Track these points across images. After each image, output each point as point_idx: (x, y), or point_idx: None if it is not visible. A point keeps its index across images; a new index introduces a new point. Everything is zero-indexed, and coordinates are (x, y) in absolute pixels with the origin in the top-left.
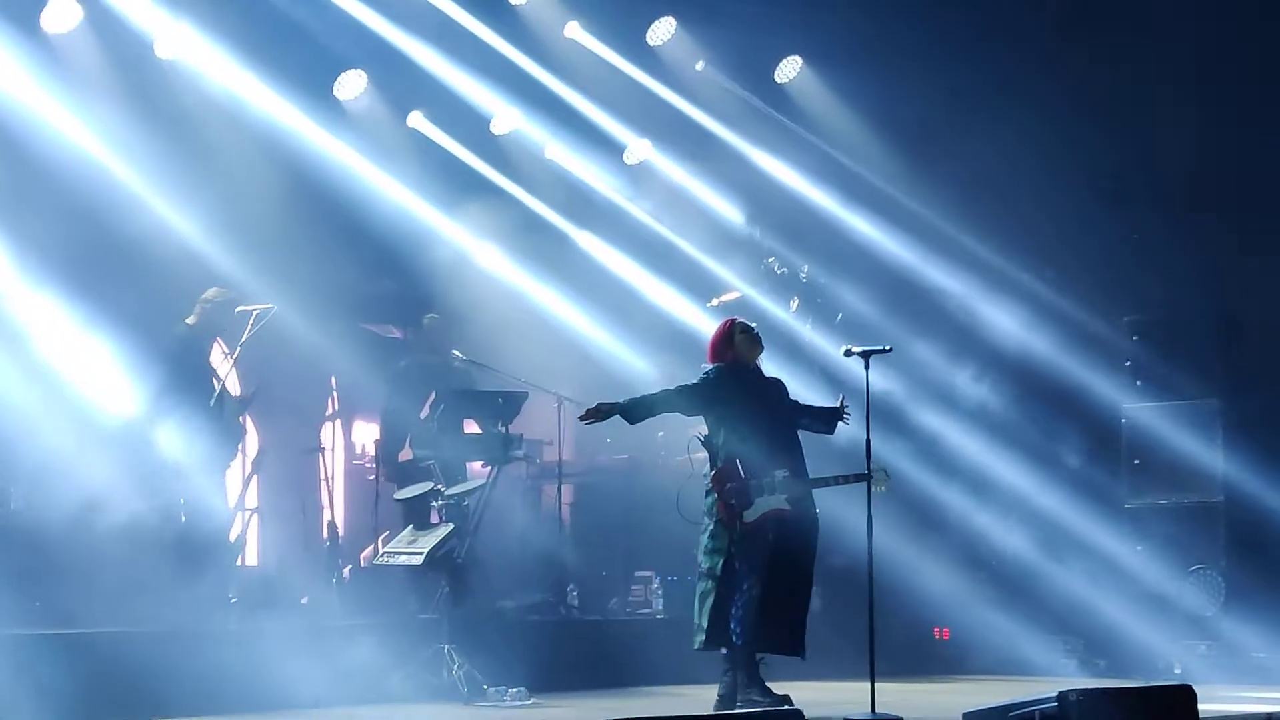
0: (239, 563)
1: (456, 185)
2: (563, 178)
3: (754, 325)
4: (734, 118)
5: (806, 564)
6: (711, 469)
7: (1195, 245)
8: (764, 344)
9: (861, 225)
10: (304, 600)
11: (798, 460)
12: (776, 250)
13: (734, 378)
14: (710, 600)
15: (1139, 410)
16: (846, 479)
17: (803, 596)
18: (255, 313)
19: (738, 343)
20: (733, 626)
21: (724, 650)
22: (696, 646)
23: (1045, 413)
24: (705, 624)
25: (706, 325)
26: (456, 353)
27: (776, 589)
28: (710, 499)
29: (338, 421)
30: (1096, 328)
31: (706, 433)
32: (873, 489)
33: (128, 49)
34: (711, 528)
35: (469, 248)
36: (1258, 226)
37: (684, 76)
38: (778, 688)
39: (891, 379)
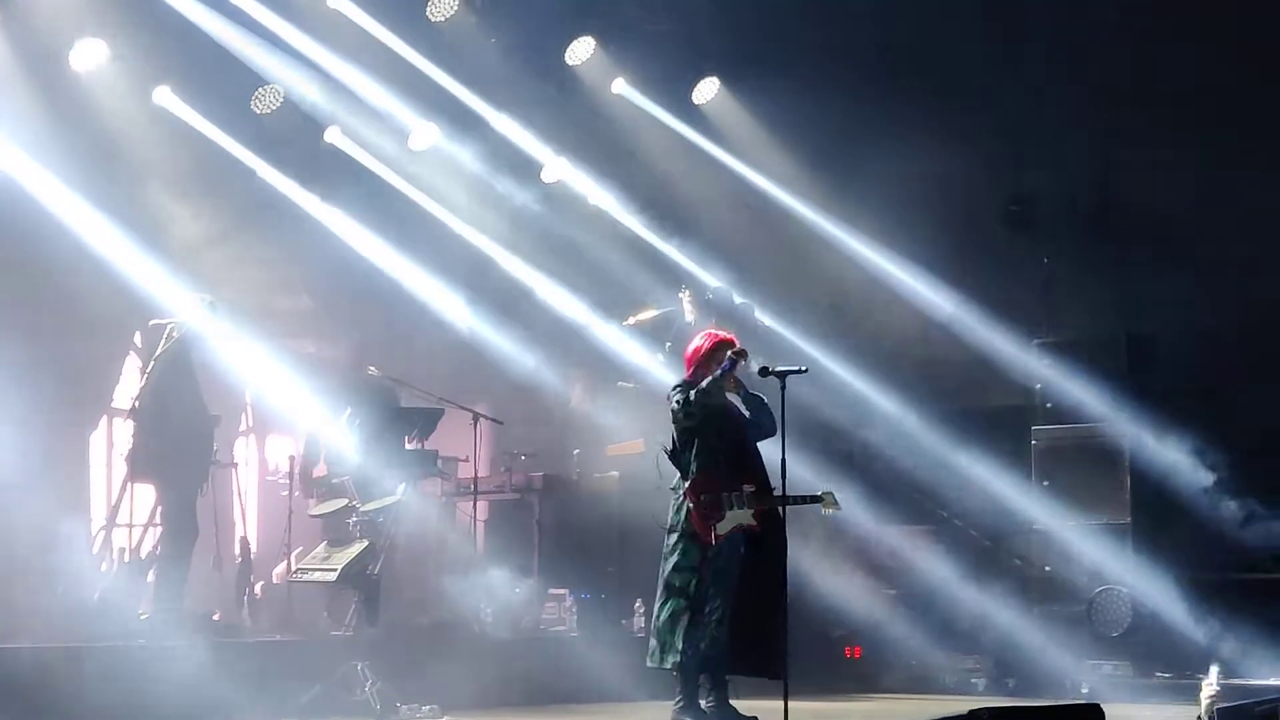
0: (149, 578)
1: (376, 201)
2: (484, 196)
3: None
4: (651, 136)
5: (778, 582)
6: (684, 482)
7: (1104, 268)
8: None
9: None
10: (215, 617)
11: (763, 477)
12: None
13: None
14: (685, 620)
15: (1048, 432)
16: (797, 500)
17: (776, 616)
18: (169, 326)
19: (721, 353)
20: (703, 648)
21: (701, 673)
22: (668, 666)
23: (956, 432)
24: (680, 644)
25: (618, 341)
26: (372, 368)
27: (749, 608)
28: (680, 514)
29: (251, 436)
30: (1006, 349)
31: (672, 447)
32: (827, 510)
33: (40, 59)
34: (682, 544)
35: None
36: (1167, 249)
37: (601, 97)
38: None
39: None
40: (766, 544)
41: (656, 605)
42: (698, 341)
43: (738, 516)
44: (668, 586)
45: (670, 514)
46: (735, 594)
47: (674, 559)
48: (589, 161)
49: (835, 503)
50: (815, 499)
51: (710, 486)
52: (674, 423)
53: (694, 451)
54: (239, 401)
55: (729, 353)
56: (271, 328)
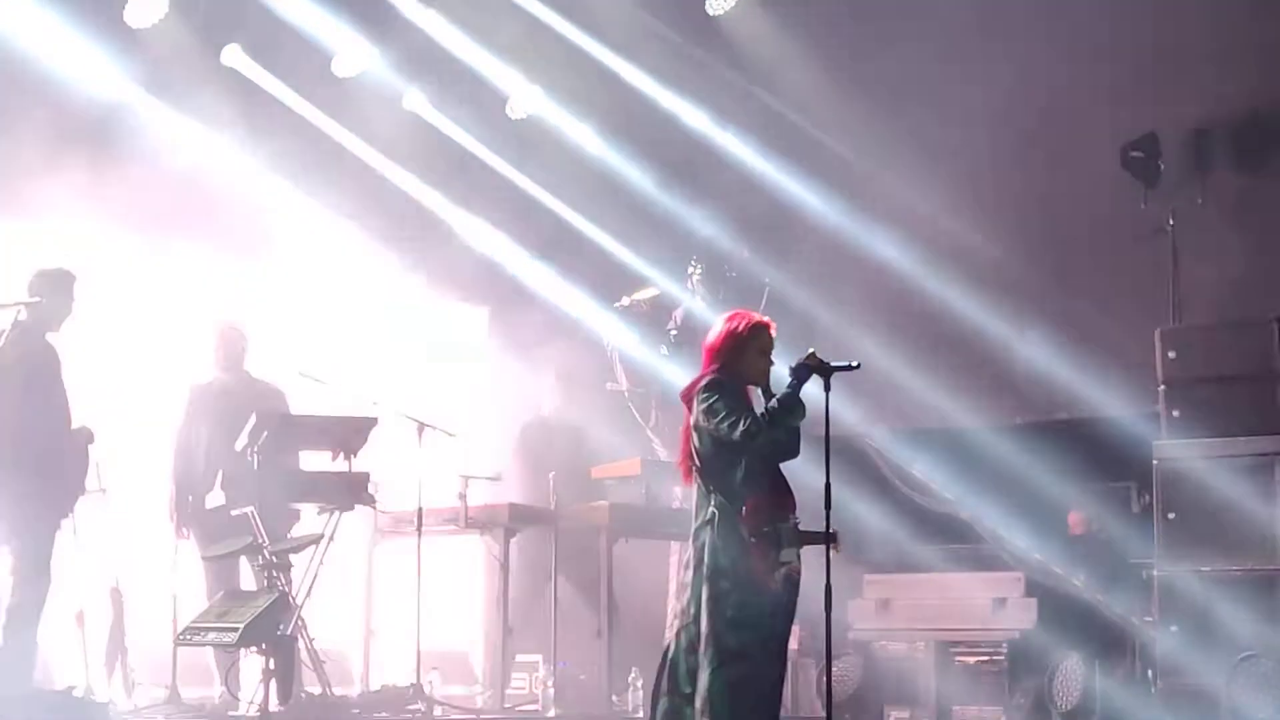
0: None
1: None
2: (427, 136)
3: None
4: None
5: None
6: (738, 510)
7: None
8: None
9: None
10: (75, 691)
11: (795, 504)
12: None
13: (745, 391)
14: (753, 689)
15: (1174, 448)
16: (812, 537)
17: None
18: (16, 309)
19: (763, 339)
20: None
21: None
22: None
23: (1046, 449)
24: None
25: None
26: (290, 365)
27: (782, 672)
28: (731, 552)
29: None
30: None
31: (700, 463)
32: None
33: None
34: (736, 593)
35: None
36: None
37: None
38: None
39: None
40: (797, 590)
41: (704, 674)
42: (726, 324)
43: (788, 555)
44: (722, 648)
45: (711, 554)
46: (783, 647)
47: (725, 611)
48: (568, 92)
49: (839, 543)
50: (829, 537)
51: (769, 515)
52: (710, 434)
53: (739, 471)
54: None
55: (803, 361)
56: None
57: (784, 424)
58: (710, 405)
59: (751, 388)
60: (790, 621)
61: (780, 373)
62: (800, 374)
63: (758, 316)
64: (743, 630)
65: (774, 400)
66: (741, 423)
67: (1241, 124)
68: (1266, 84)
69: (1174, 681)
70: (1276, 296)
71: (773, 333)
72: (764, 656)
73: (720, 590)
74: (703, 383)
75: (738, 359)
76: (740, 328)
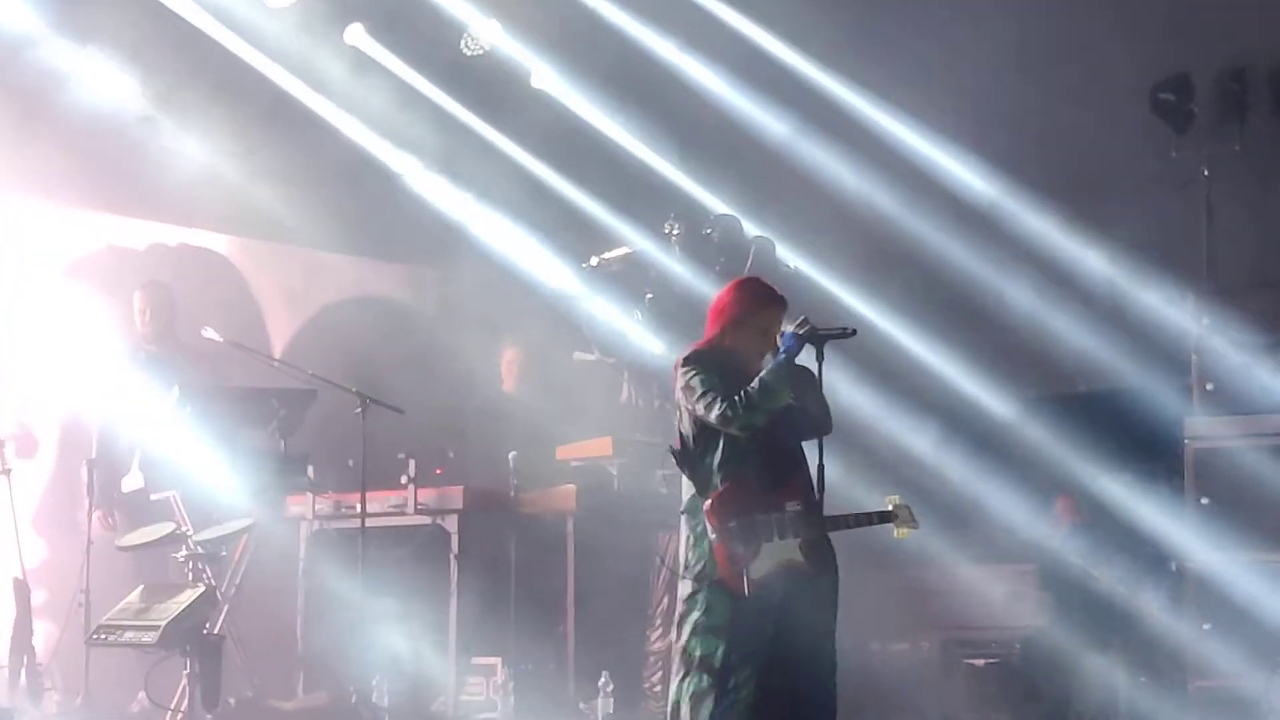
0: None
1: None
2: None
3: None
4: None
5: (826, 646)
6: (702, 498)
7: None
8: None
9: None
10: None
11: (808, 487)
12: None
13: (744, 367)
14: (710, 703)
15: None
16: (869, 518)
17: (822, 693)
18: None
19: (767, 317)
20: None
21: None
22: None
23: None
24: None
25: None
26: (209, 331)
27: (783, 683)
28: (700, 549)
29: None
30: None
31: (683, 446)
32: (900, 533)
33: None
34: (704, 594)
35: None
36: None
37: None
38: None
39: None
40: (816, 587)
41: (673, 684)
42: (733, 290)
43: (780, 550)
44: (687, 656)
45: (684, 549)
46: (769, 660)
47: (695, 616)
48: (527, 26)
49: (912, 518)
50: (885, 517)
51: (739, 507)
52: (690, 413)
53: (717, 455)
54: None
55: (793, 329)
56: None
57: (765, 407)
58: (688, 381)
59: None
60: (769, 630)
61: None
62: (788, 344)
63: (771, 291)
64: (706, 638)
65: (756, 379)
66: (717, 405)
67: None
68: None
69: (1208, 685)
70: None
71: (780, 314)
72: (729, 669)
73: (687, 592)
74: (685, 354)
75: (735, 331)
76: (744, 298)
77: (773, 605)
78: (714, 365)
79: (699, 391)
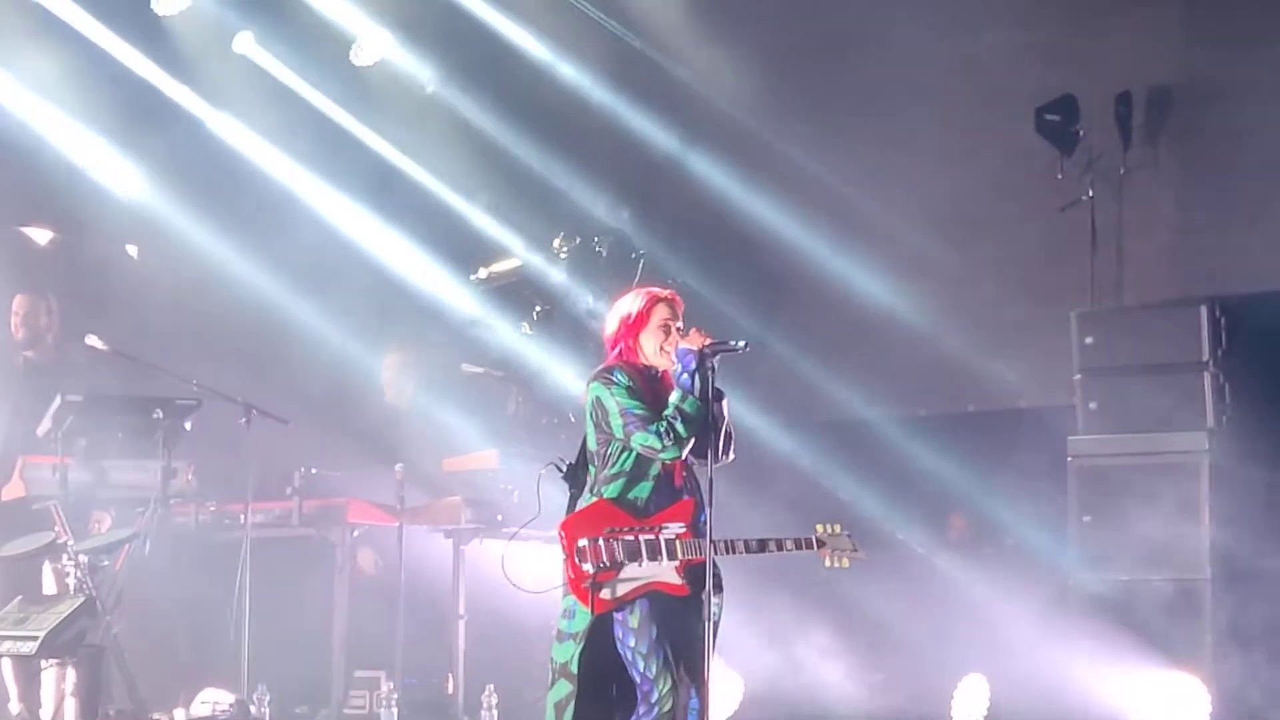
0: None
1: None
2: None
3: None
4: None
5: (698, 666)
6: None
7: (1178, 206)
8: None
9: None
10: None
11: (699, 509)
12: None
13: (643, 381)
14: (570, 711)
15: (1091, 445)
16: (794, 544)
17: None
18: None
19: (663, 311)
20: None
21: None
22: None
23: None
24: None
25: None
26: (91, 339)
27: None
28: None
29: None
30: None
31: (576, 460)
32: (832, 563)
33: None
34: (570, 603)
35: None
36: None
37: None
38: None
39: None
40: (689, 608)
41: (547, 694)
42: (627, 304)
43: (650, 571)
44: (553, 664)
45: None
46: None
47: (560, 624)
48: (419, 37)
49: (852, 545)
50: (806, 543)
51: (596, 527)
52: (602, 431)
53: (614, 471)
54: None
55: (686, 345)
56: None
57: (689, 435)
58: (603, 401)
59: (669, 373)
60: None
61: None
62: (686, 363)
63: (659, 287)
64: (566, 644)
65: (674, 410)
66: (639, 432)
67: (1169, 85)
68: (1197, 39)
69: None
70: (1208, 277)
71: (672, 306)
72: (581, 680)
73: (564, 605)
74: (596, 373)
75: (635, 336)
76: (642, 306)
77: (634, 625)
78: (628, 383)
79: (617, 413)
